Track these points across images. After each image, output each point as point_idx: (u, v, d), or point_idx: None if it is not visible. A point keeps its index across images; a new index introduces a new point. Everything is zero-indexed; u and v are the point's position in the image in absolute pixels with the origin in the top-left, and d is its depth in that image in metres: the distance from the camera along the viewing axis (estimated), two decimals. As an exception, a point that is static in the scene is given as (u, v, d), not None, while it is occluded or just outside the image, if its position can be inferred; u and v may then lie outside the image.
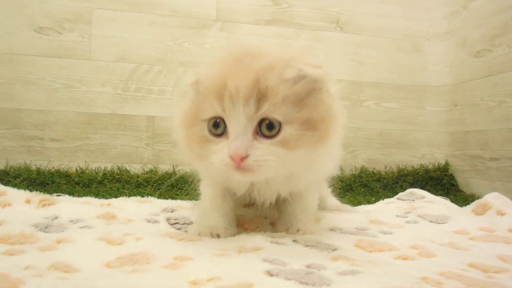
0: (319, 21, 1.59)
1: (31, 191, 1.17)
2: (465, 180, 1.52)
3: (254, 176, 0.57)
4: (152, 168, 1.44)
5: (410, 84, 1.65)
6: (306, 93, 0.57)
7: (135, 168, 1.43)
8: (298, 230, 0.71)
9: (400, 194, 1.14)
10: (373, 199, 1.36)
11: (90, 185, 1.32)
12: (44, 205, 0.80)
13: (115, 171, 1.40)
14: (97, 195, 1.21)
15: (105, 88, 1.44)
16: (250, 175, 0.56)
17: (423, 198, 1.08)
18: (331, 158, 0.70)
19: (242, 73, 0.55)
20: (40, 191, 1.18)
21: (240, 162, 0.54)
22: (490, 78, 1.41)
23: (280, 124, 0.55)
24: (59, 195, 0.97)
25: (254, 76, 0.54)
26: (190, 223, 0.78)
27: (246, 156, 0.54)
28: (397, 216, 0.92)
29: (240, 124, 0.55)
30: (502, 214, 0.85)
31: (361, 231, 0.77)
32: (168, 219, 0.79)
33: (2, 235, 0.61)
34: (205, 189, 0.74)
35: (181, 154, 0.65)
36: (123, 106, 1.45)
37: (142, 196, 1.19)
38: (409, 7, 1.65)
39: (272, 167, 0.55)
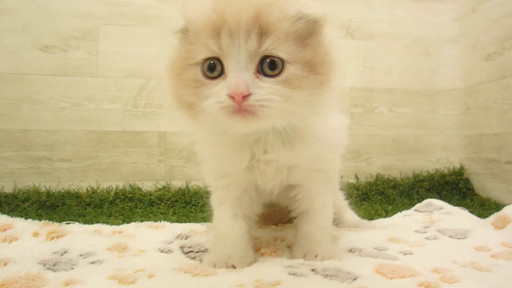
0: (330, 29, 1.57)
1: (40, 215, 1.17)
2: (481, 184, 1.51)
3: (257, 121, 0.51)
4: (165, 184, 1.40)
5: (423, 89, 1.63)
6: (307, 33, 0.53)
7: (148, 186, 1.40)
8: (316, 256, 0.68)
9: (418, 205, 1.12)
10: (390, 207, 1.34)
11: (102, 206, 1.29)
12: (53, 238, 0.75)
13: (127, 189, 1.36)
14: (109, 216, 1.18)
15: (114, 105, 1.41)
16: (252, 119, 0.51)
17: (441, 209, 1.06)
18: (335, 127, 0.66)
19: (242, 7, 0.50)
20: (50, 214, 1.17)
21: (242, 101, 0.49)
22: (502, 81, 1.40)
23: (283, 62, 0.51)
24: (69, 223, 0.93)
25: (255, 9, 0.50)
26: (205, 250, 0.75)
27: (249, 95, 0.49)
28: (416, 231, 0.89)
29: (241, 61, 0.50)
30: None
31: (381, 252, 0.74)
32: (182, 247, 0.76)
33: (7, 278, 0.56)
34: (216, 209, 0.70)
35: (169, 109, 0.59)
36: (133, 123, 1.42)
37: (155, 216, 1.17)
38: (419, 11, 1.64)
39: (277, 108, 0.50)
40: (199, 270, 0.61)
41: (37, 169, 1.35)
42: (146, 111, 1.43)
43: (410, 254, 0.74)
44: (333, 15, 0.61)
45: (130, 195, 1.34)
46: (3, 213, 1.16)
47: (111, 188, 1.36)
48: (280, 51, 0.50)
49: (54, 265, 0.64)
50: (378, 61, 1.60)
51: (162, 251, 0.74)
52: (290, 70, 0.51)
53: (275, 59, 0.51)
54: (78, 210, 1.24)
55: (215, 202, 0.70)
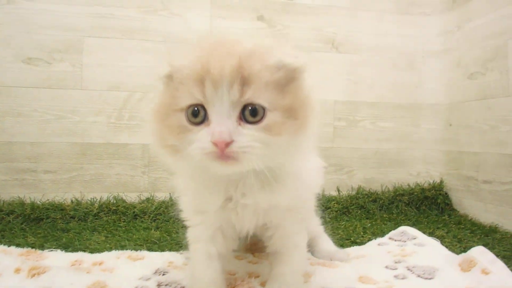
0: (315, 42, 1.58)
1: (24, 229, 1.20)
2: (459, 200, 1.54)
3: (239, 166, 0.54)
4: (149, 196, 1.43)
5: (406, 102, 1.65)
6: (287, 80, 0.56)
7: (131, 197, 1.42)
8: None
9: (392, 233, 1.14)
10: (369, 224, 1.38)
11: (86, 219, 1.31)
12: (34, 275, 0.77)
13: (111, 201, 1.39)
14: (93, 230, 1.21)
15: (99, 118, 1.42)
16: (235, 164, 0.53)
17: (415, 238, 1.08)
18: (310, 171, 0.69)
19: (225, 57, 0.53)
20: (34, 229, 1.20)
21: (224, 148, 0.51)
22: (483, 101, 1.42)
23: (264, 110, 0.54)
24: (51, 251, 0.95)
25: (237, 60, 0.53)
26: None
27: (231, 142, 0.51)
28: (386, 267, 0.92)
29: (224, 109, 0.53)
30: (486, 273, 0.84)
31: None
32: (159, 285, 0.78)
33: None
34: (192, 246, 0.72)
35: (154, 152, 0.62)
36: (117, 135, 1.43)
37: (138, 232, 1.20)
38: (404, 24, 1.64)
39: (258, 155, 0.53)
40: None
41: (21, 180, 1.37)
42: (130, 124, 1.44)
43: None
44: (308, 65, 0.62)
45: (114, 207, 1.36)
46: (-13, 226, 1.20)
47: (95, 199, 1.38)
48: (261, 100, 0.53)
49: None
50: (362, 75, 1.61)
51: (139, 289, 0.76)
52: (270, 117, 0.53)
53: (256, 107, 0.53)
54: (62, 224, 1.27)
55: (191, 238, 0.72)
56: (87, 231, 1.20)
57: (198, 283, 0.71)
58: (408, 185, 1.61)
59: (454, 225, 1.36)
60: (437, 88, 1.64)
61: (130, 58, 1.44)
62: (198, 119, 0.54)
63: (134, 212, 1.35)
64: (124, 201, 1.40)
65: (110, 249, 1.02)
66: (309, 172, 0.68)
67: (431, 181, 1.61)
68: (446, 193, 1.58)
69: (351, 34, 1.60)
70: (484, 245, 1.13)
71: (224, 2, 1.50)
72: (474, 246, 1.10)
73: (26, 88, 1.36)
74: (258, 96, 0.53)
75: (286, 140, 0.55)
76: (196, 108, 0.54)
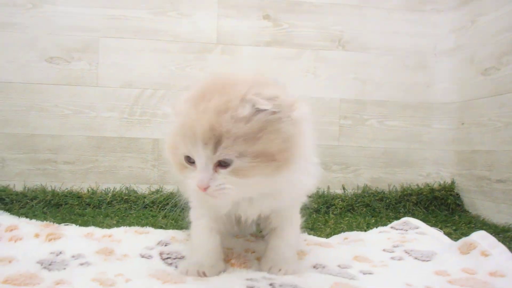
0: (321, 41, 1.59)
1: (46, 212, 1.31)
2: (471, 201, 1.49)
3: (219, 200, 0.66)
4: (158, 188, 1.50)
5: (416, 102, 1.61)
6: (261, 126, 0.61)
7: (142, 189, 1.50)
8: (279, 270, 0.75)
9: (395, 223, 1.13)
10: (373, 220, 1.36)
11: (100, 206, 1.41)
12: (51, 240, 0.86)
13: (124, 192, 1.47)
14: (106, 216, 1.30)
15: (112, 113, 1.51)
16: (216, 199, 0.65)
17: (417, 228, 1.07)
18: (307, 175, 0.73)
19: (199, 118, 0.61)
20: (54, 213, 1.30)
21: (204, 191, 0.63)
22: (497, 97, 1.36)
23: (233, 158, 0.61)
24: (67, 225, 1.05)
25: (209, 121, 0.60)
26: (182, 257, 0.82)
27: (208, 187, 0.62)
28: (383, 250, 0.92)
29: (202, 162, 0.62)
30: (486, 255, 0.83)
31: (342, 270, 0.79)
32: (161, 254, 0.84)
33: (10, 275, 0.68)
34: (194, 222, 0.79)
35: (172, 172, 0.72)
36: (129, 130, 1.52)
37: (147, 219, 1.27)
38: (415, 22, 1.60)
39: (230, 194, 0.63)
40: (169, 278, 0.70)
41: (43, 170, 1.49)
42: (141, 119, 1.53)
43: (370, 274, 0.78)
44: (296, 96, 0.67)
45: (126, 197, 1.45)
46: (14, 209, 1.33)
47: (109, 189, 1.47)
48: (231, 153, 0.61)
49: (49, 265, 0.74)
50: (370, 73, 1.59)
51: (143, 257, 0.83)
52: (237, 163, 0.61)
53: (227, 159, 0.62)
54: (79, 209, 1.37)
55: (194, 216, 0.79)
56: (101, 216, 1.29)
57: (198, 251, 0.77)
58: (417, 185, 1.58)
59: (464, 225, 1.31)
60: (449, 86, 1.59)
61: (142, 57, 1.52)
62: (192, 161, 0.64)
63: (144, 202, 1.43)
64: (135, 192, 1.48)
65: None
66: (302, 179, 0.74)
67: (442, 182, 1.56)
68: (457, 194, 1.53)
69: (358, 33, 1.59)
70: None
71: (230, 1, 1.55)
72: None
73: (48, 85, 1.49)
74: (227, 152, 0.60)
75: (260, 181, 0.62)
76: (188, 156, 0.64)
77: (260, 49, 1.56)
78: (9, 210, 1.31)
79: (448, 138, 1.59)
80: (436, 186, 1.56)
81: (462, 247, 0.90)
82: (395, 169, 1.60)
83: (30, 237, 0.86)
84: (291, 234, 0.79)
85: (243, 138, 0.60)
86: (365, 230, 1.22)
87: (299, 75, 1.58)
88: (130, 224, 1.17)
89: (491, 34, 1.40)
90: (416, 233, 1.06)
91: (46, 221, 1.17)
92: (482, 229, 1.26)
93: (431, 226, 1.21)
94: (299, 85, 1.58)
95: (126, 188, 1.50)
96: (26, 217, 1.21)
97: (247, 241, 0.95)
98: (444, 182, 1.56)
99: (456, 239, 1.10)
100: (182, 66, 1.54)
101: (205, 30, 1.54)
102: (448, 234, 1.12)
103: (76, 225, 1.12)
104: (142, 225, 1.17)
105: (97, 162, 1.52)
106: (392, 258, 0.88)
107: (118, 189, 1.49)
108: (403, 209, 1.50)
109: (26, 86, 1.48)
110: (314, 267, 0.81)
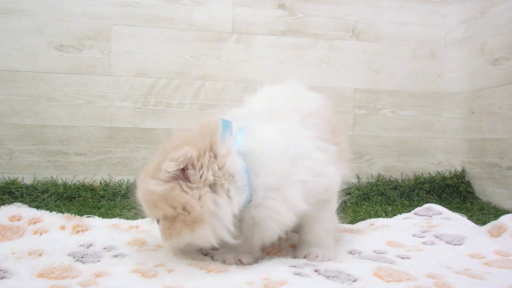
0: (335, 30, 1.59)
1: (59, 206, 1.27)
2: (482, 188, 1.53)
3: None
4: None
5: (427, 91, 1.64)
6: (169, 192, 0.65)
7: (156, 180, 1.47)
8: (317, 257, 0.75)
9: (418, 209, 1.15)
10: (390, 208, 1.38)
11: (115, 199, 1.37)
12: (78, 232, 0.84)
13: (138, 183, 1.44)
14: (122, 209, 1.26)
15: (126, 103, 1.48)
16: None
17: (440, 214, 1.09)
18: (283, 208, 0.70)
19: (140, 185, 0.70)
20: (68, 205, 1.27)
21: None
22: (508, 86, 1.40)
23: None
24: (89, 217, 1.02)
25: (142, 189, 0.68)
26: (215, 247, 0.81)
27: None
28: (414, 235, 0.94)
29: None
30: None
31: (380, 255, 0.79)
32: None
33: (45, 268, 0.66)
34: None
35: None
36: (143, 120, 1.49)
37: None
38: (426, 13, 1.63)
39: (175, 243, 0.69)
40: (212, 267, 0.68)
41: (54, 162, 1.44)
42: (155, 109, 1.49)
43: (407, 258, 0.78)
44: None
45: (140, 189, 1.42)
46: (25, 203, 1.28)
47: (122, 181, 1.44)
48: (157, 215, 0.69)
49: (82, 257, 0.72)
50: (383, 63, 1.61)
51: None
52: (161, 223, 0.69)
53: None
54: (93, 202, 1.33)
55: None
56: (117, 208, 1.26)
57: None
58: (429, 173, 1.61)
59: (477, 211, 1.35)
60: (459, 76, 1.63)
61: (156, 45, 1.49)
62: None
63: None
64: (149, 183, 1.45)
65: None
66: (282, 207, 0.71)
67: (452, 170, 1.60)
68: (468, 182, 1.57)
69: (372, 23, 1.61)
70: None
71: (246, -10, 1.53)
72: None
73: (58, 74, 1.43)
74: (154, 214, 0.69)
75: (185, 235, 0.66)
76: None
77: (275, 38, 1.56)
78: (20, 204, 1.27)
79: (459, 127, 1.63)
80: (447, 174, 1.59)
81: (492, 230, 0.93)
82: (407, 158, 1.63)
83: (56, 229, 0.84)
84: (320, 229, 0.77)
85: (155, 204, 0.66)
86: (384, 216, 1.24)
87: (314, 64, 1.58)
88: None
89: (501, 25, 1.44)
90: (440, 218, 1.08)
91: (59, 213, 1.15)
92: (494, 214, 1.32)
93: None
94: (314, 74, 1.58)
95: (140, 180, 1.46)
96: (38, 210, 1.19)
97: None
98: (455, 170, 1.60)
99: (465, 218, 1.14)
100: (197, 55, 1.51)
101: (220, 19, 1.52)
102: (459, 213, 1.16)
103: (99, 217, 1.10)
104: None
105: (109, 154, 1.47)
106: (424, 243, 0.89)
107: (132, 181, 1.45)
108: (416, 197, 1.53)
109: (34, 75, 1.42)
110: (350, 253, 0.81)
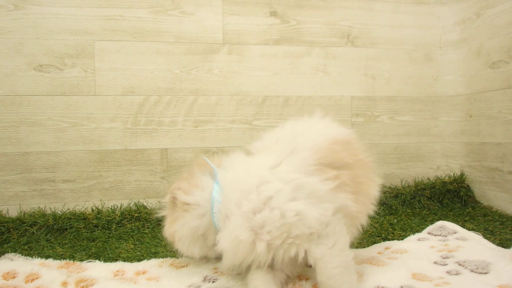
0: (330, 37, 1.54)
1: (50, 240, 1.19)
2: (482, 192, 1.52)
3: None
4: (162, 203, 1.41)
5: (424, 95, 1.62)
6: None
7: (152, 203, 1.41)
8: None
9: (431, 228, 1.13)
10: (395, 220, 1.36)
11: (110, 227, 1.30)
12: None
13: (133, 208, 1.37)
14: (119, 238, 1.19)
15: (114, 124, 1.39)
16: None
17: (455, 233, 1.07)
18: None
19: None
20: (59, 239, 1.19)
21: None
22: (507, 90, 1.39)
23: None
24: (90, 261, 0.95)
25: None
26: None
27: None
28: (435, 263, 0.90)
29: None
30: None
31: None
32: None
33: None
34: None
35: None
36: (134, 141, 1.41)
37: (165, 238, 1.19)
38: (421, 15, 1.60)
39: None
40: None
41: (40, 191, 1.35)
42: (146, 129, 1.42)
43: None
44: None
45: (137, 214, 1.35)
46: (12, 239, 1.20)
47: (116, 207, 1.36)
48: None
49: None
50: (379, 69, 1.57)
51: (194, 300, 0.76)
52: None
53: None
54: (87, 233, 1.25)
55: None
56: (113, 239, 1.19)
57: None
58: (428, 179, 1.59)
59: (481, 218, 1.34)
60: (455, 79, 1.60)
61: (143, 60, 1.40)
62: None
63: (156, 218, 1.34)
64: (145, 207, 1.38)
65: (141, 256, 1.02)
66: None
67: (452, 174, 1.59)
68: (468, 186, 1.56)
69: (367, 27, 1.56)
70: (518, 238, 1.13)
71: (236, -2, 1.46)
72: (508, 238, 1.10)
73: (39, 96, 1.33)
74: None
75: (178, 248, 0.87)
76: None
77: (269, 47, 1.49)
78: (7, 240, 1.19)
79: (456, 131, 1.61)
80: (446, 178, 1.58)
81: None
82: (407, 164, 1.61)
83: (57, 286, 0.77)
84: (333, 254, 0.72)
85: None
86: (392, 232, 1.22)
87: (310, 73, 1.53)
88: (149, 247, 1.10)
89: (498, 27, 1.42)
90: (456, 239, 1.05)
91: (55, 251, 1.07)
92: (499, 221, 1.31)
93: (451, 222, 1.23)
94: (310, 83, 1.53)
95: (135, 204, 1.39)
96: (30, 248, 1.11)
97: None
98: (454, 174, 1.59)
99: (483, 236, 1.12)
100: (188, 69, 1.44)
101: (210, 29, 1.44)
102: (472, 231, 1.14)
103: (90, 254, 1.04)
104: (164, 246, 1.10)
105: (100, 178, 1.39)
106: (448, 272, 0.86)
107: (125, 205, 1.38)
108: (418, 204, 1.52)
109: (13, 99, 1.32)
110: None
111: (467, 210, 1.46)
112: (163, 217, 0.91)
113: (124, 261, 0.98)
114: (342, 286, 0.72)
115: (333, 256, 0.72)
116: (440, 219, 1.31)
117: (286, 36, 1.51)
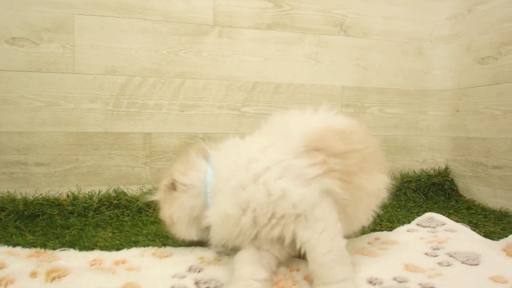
0: (323, 25, 1.50)
1: (20, 227, 1.10)
2: (466, 186, 1.54)
3: None
4: (151, 188, 1.34)
5: (413, 89, 1.61)
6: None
7: (133, 190, 1.33)
8: None
9: (420, 219, 1.12)
10: (382, 212, 1.35)
11: (86, 214, 1.22)
12: (54, 279, 0.69)
13: (112, 195, 1.29)
14: (96, 226, 1.12)
15: (94, 105, 1.30)
16: None
17: (444, 224, 1.06)
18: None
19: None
20: (30, 226, 1.10)
21: None
22: (495, 86, 1.40)
23: None
24: (63, 250, 0.87)
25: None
26: (222, 285, 0.72)
27: None
28: (426, 254, 0.89)
29: None
30: None
31: (402, 285, 0.73)
32: (197, 283, 0.72)
33: None
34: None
35: None
36: (115, 124, 1.32)
37: (145, 226, 1.12)
38: (415, 8, 1.58)
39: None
40: None
41: (10, 174, 1.25)
42: (129, 111, 1.33)
43: (432, 287, 0.73)
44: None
45: (116, 201, 1.27)
46: (-21, 224, 1.09)
47: (93, 193, 1.28)
48: None
49: None
50: (371, 60, 1.55)
51: (177, 290, 0.70)
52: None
53: None
54: (61, 220, 1.17)
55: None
56: (90, 227, 1.11)
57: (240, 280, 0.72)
58: (414, 172, 1.60)
59: (465, 211, 1.36)
60: (445, 74, 1.61)
61: (127, 39, 1.31)
62: None
63: (137, 205, 1.27)
64: (125, 194, 1.31)
65: (120, 245, 0.95)
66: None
67: (437, 168, 1.60)
68: (452, 179, 1.57)
69: (361, 17, 1.54)
70: (502, 230, 1.14)
71: (229, -22, 1.39)
72: (492, 231, 1.11)
73: (11, 71, 1.22)
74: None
75: (172, 229, 0.88)
76: None
77: (260, 32, 1.44)
78: (-27, 227, 1.08)
79: (443, 125, 1.62)
80: (431, 172, 1.59)
81: (508, 248, 0.89)
82: (394, 156, 1.61)
83: (25, 277, 0.68)
84: (323, 238, 0.70)
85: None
86: (380, 224, 1.21)
87: (301, 60, 1.49)
88: (129, 236, 1.03)
89: (489, 24, 1.42)
90: (445, 231, 1.05)
91: (25, 239, 0.98)
92: (482, 214, 1.33)
93: (436, 213, 1.24)
94: (302, 71, 1.49)
95: (114, 190, 1.31)
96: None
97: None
98: (439, 167, 1.60)
99: (469, 228, 1.13)
100: (175, 50, 1.36)
101: (200, 10, 1.37)
102: (461, 223, 1.15)
103: (64, 242, 0.96)
104: (145, 235, 1.04)
105: (77, 162, 1.30)
106: (440, 263, 0.84)
107: (104, 191, 1.30)
108: (404, 197, 1.52)
109: (-18, 73, 1.20)
110: (370, 282, 0.74)
111: (451, 203, 1.47)
112: (151, 203, 0.92)
113: (102, 250, 0.90)
114: (335, 275, 0.69)
115: (322, 241, 0.70)
116: (425, 211, 1.31)
117: (279, 21, 1.46)
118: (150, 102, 1.35)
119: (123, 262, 0.81)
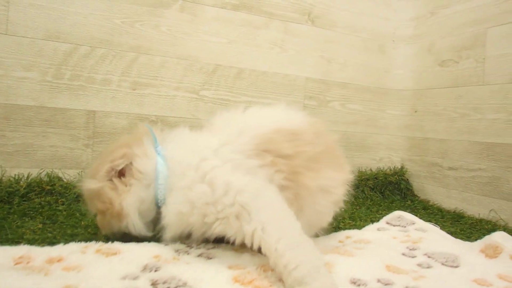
0: (291, 12, 1.44)
1: None
2: (421, 185, 1.56)
3: None
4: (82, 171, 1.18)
5: (375, 86, 1.61)
6: (101, 189, 0.77)
7: (70, 175, 1.17)
8: None
9: (388, 218, 1.09)
10: (343, 210, 1.31)
11: (11, 201, 1.03)
12: None
13: (44, 179, 1.12)
14: (22, 215, 0.95)
15: (30, 73, 1.12)
16: None
17: (413, 223, 1.04)
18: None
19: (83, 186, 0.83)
20: None
21: None
22: (454, 89, 1.43)
23: None
24: None
25: (83, 188, 0.82)
26: (184, 284, 0.60)
27: None
28: (404, 255, 0.85)
29: None
30: None
31: (387, 287, 0.67)
32: (154, 284, 0.59)
33: None
34: None
35: None
36: (54, 97, 1.15)
37: (84, 217, 0.96)
38: (380, 5, 1.58)
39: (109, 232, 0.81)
40: None
41: None
42: (72, 84, 1.17)
43: None
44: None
45: (49, 187, 1.10)
46: None
47: (21, 176, 1.10)
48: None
49: None
50: (336, 53, 1.52)
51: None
52: (98, 216, 0.83)
53: None
54: (-21, 206, 0.98)
55: None
56: (15, 215, 0.94)
57: None
58: (371, 170, 1.59)
59: (422, 211, 1.36)
60: (405, 74, 1.63)
61: (75, 1, 1.15)
62: None
63: (75, 192, 1.10)
64: (60, 179, 1.14)
65: (54, 239, 0.80)
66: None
67: (393, 167, 1.61)
68: (407, 179, 1.58)
69: (328, 8, 1.50)
70: (461, 230, 1.14)
71: (196, -51, 1.28)
72: (452, 231, 1.10)
73: None
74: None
75: (115, 226, 0.79)
76: None
77: (226, 12, 1.34)
78: None
79: (401, 124, 1.64)
80: (388, 170, 1.59)
81: (487, 249, 0.87)
82: (352, 153, 1.59)
83: None
84: (282, 233, 0.64)
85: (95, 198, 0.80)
86: (342, 221, 1.16)
87: (266, 47, 1.41)
88: (65, 228, 0.88)
89: (451, 27, 1.45)
90: (416, 230, 1.02)
91: None
92: (439, 214, 1.33)
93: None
94: (266, 58, 1.41)
95: (48, 174, 1.14)
96: None
97: (252, 255, 0.75)
98: (395, 166, 1.61)
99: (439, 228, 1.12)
100: (131, 21, 1.22)
101: (161, -21, 1.25)
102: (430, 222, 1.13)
103: None
104: (84, 228, 0.90)
105: (3, 139, 1.11)
106: (420, 265, 0.80)
107: (34, 175, 1.12)
108: (361, 194, 1.50)
109: None
110: (353, 283, 0.67)
111: (407, 203, 1.48)
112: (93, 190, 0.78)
113: (30, 244, 0.73)
114: (301, 267, 0.60)
115: (270, 229, 0.65)
116: (384, 210, 1.29)
117: (246, 3, 1.37)
118: (98, 76, 1.19)
119: (59, 261, 0.65)
